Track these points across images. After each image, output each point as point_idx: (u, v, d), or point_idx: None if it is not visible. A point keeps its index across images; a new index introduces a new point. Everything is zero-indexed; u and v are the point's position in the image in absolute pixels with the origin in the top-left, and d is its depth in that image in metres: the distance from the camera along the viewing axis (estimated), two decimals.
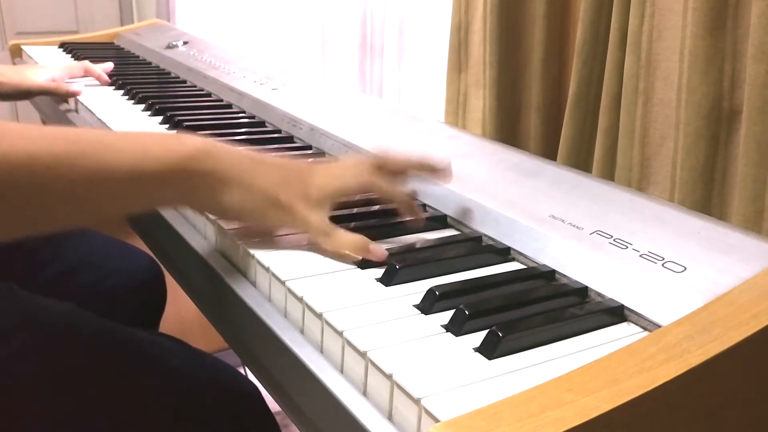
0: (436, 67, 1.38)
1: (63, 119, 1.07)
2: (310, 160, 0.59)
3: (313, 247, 0.56)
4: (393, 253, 0.54)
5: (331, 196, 0.57)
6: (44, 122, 1.33)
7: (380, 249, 0.54)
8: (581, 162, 1.04)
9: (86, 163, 0.48)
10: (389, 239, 0.58)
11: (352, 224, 0.59)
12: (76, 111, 1.04)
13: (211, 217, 0.60)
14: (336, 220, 0.59)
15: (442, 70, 1.27)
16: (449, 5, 1.21)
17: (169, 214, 0.67)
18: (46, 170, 0.46)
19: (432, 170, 0.62)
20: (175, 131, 0.48)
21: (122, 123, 0.91)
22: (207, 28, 2.09)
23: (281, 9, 1.86)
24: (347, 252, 0.54)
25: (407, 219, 0.61)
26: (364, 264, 0.53)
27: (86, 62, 1.19)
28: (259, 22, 1.94)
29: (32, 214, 0.48)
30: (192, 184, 0.52)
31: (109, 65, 1.21)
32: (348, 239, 0.54)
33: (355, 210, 0.63)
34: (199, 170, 0.52)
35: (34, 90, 1.09)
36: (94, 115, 0.96)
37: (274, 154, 0.58)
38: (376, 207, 0.64)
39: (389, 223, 0.61)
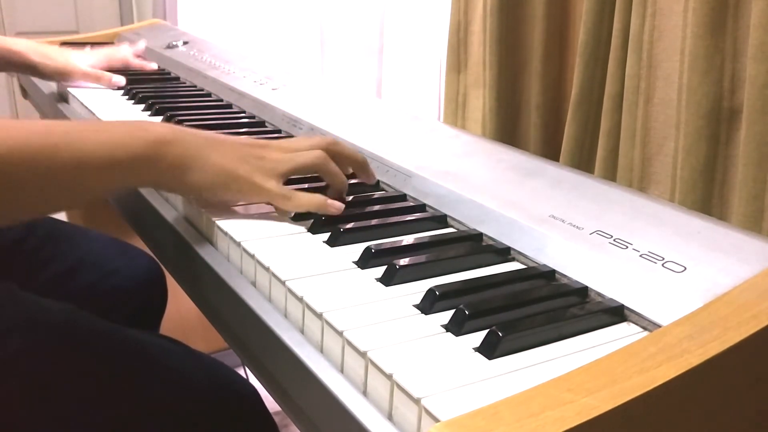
0: (428, 67, 1.38)
1: (55, 110, 1.07)
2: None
3: (314, 247, 0.56)
4: (393, 253, 0.54)
5: (286, 169, 0.62)
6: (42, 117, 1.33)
7: (337, 204, 0.61)
8: (584, 162, 1.04)
9: (61, 155, 0.53)
10: (389, 239, 0.58)
11: (352, 224, 0.59)
12: (68, 102, 1.04)
13: (211, 217, 0.60)
14: (335, 220, 0.59)
15: (433, 71, 1.27)
16: (440, 5, 1.21)
17: (170, 215, 0.67)
18: (21, 162, 0.51)
19: (365, 174, 0.69)
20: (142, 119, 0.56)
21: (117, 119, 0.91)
22: (208, 27, 2.09)
23: (281, 9, 1.86)
24: (309, 210, 0.61)
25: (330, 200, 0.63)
26: (364, 263, 0.53)
27: (126, 54, 1.21)
28: (259, 22, 1.94)
29: (11, 202, 0.52)
30: (158, 168, 0.58)
31: (153, 66, 1.24)
32: (308, 198, 0.61)
33: (356, 210, 0.63)
34: (163, 156, 0.58)
35: (76, 75, 1.10)
36: (94, 115, 0.96)
37: (238, 135, 0.65)
38: (377, 207, 0.65)
39: (389, 223, 0.61)
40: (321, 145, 0.64)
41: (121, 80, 1.12)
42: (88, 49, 1.18)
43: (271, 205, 0.62)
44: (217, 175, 0.59)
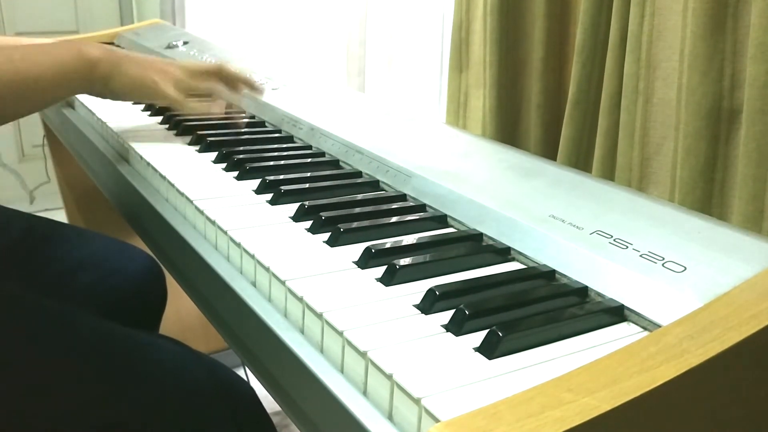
0: (428, 67, 1.38)
1: (61, 116, 1.07)
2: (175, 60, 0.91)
3: (314, 247, 0.56)
4: (393, 253, 0.54)
5: (186, 86, 0.83)
6: (44, 121, 1.33)
7: (218, 109, 0.85)
8: (581, 162, 1.04)
9: (22, 75, 0.72)
10: (389, 239, 0.58)
11: (354, 224, 0.59)
12: (74, 108, 1.04)
13: (211, 217, 0.60)
14: (337, 219, 0.59)
15: (434, 71, 1.27)
16: (440, 6, 1.21)
17: (170, 215, 0.67)
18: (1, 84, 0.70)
19: (254, 89, 0.91)
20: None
21: (122, 123, 0.91)
22: (216, 28, 2.08)
23: (287, 10, 1.86)
24: (196, 112, 0.83)
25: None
26: (364, 263, 0.53)
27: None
28: (263, 23, 1.94)
29: None
30: (90, 79, 0.78)
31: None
32: (196, 105, 0.83)
33: (356, 210, 0.63)
34: (94, 70, 0.78)
35: None
36: (94, 115, 0.96)
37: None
38: (377, 207, 0.65)
39: (389, 223, 0.61)
40: (214, 69, 0.87)
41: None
42: None
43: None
44: (132, 82, 0.79)
